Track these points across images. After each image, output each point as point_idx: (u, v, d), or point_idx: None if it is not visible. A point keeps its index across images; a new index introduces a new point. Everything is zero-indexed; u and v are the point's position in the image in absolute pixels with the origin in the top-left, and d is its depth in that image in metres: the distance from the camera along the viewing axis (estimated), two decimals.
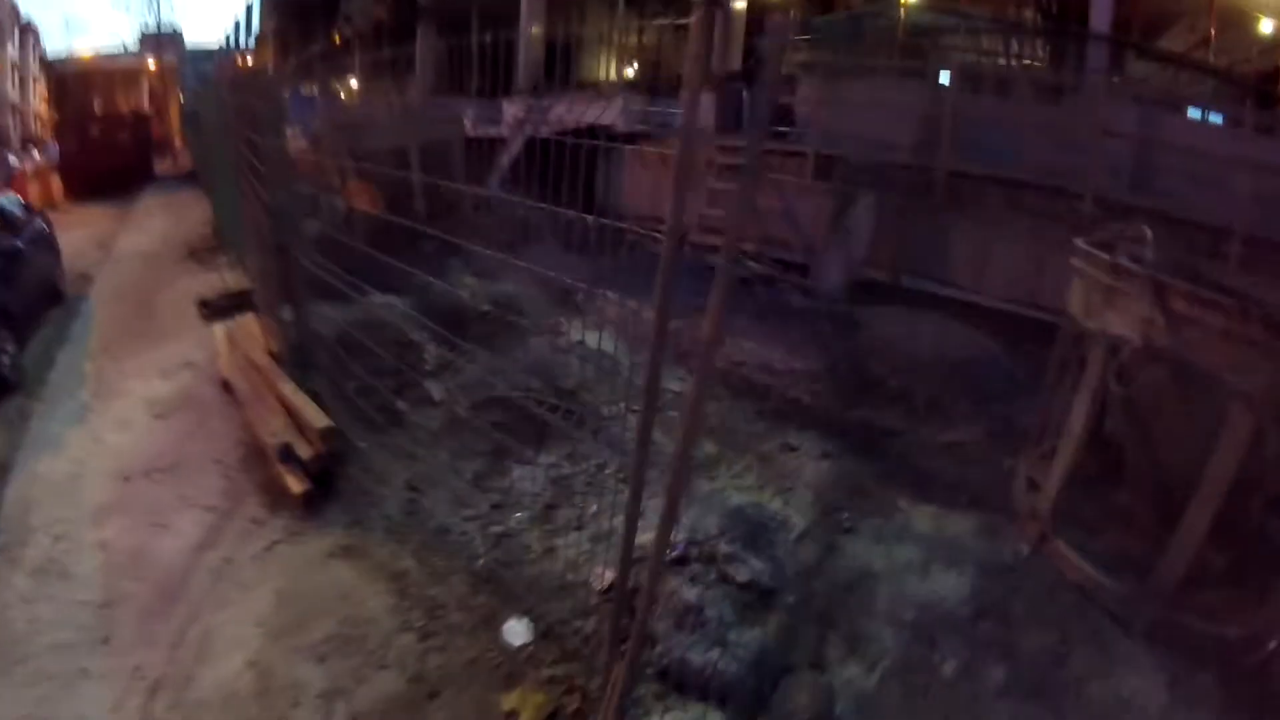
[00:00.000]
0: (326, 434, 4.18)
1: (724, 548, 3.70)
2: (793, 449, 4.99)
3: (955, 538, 4.25)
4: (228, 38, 21.24)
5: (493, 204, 8.13)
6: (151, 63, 25.57)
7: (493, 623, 3.27)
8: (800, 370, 6.24)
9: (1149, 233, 3.48)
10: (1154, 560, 3.66)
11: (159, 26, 31.61)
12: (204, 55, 23.79)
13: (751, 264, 7.59)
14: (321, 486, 4.04)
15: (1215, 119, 9.27)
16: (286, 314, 5.05)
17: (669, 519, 2.60)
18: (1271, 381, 2.93)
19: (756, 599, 3.45)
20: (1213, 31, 10.96)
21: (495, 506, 3.72)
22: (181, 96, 22.58)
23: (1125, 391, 3.37)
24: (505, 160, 10.49)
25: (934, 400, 5.94)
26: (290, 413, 4.63)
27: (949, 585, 3.91)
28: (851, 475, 4.79)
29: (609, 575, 3.35)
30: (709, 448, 4.65)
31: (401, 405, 4.30)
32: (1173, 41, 12.16)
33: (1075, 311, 3.94)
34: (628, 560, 2.77)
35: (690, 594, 3.34)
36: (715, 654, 3.07)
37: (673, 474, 2.54)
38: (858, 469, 4.87)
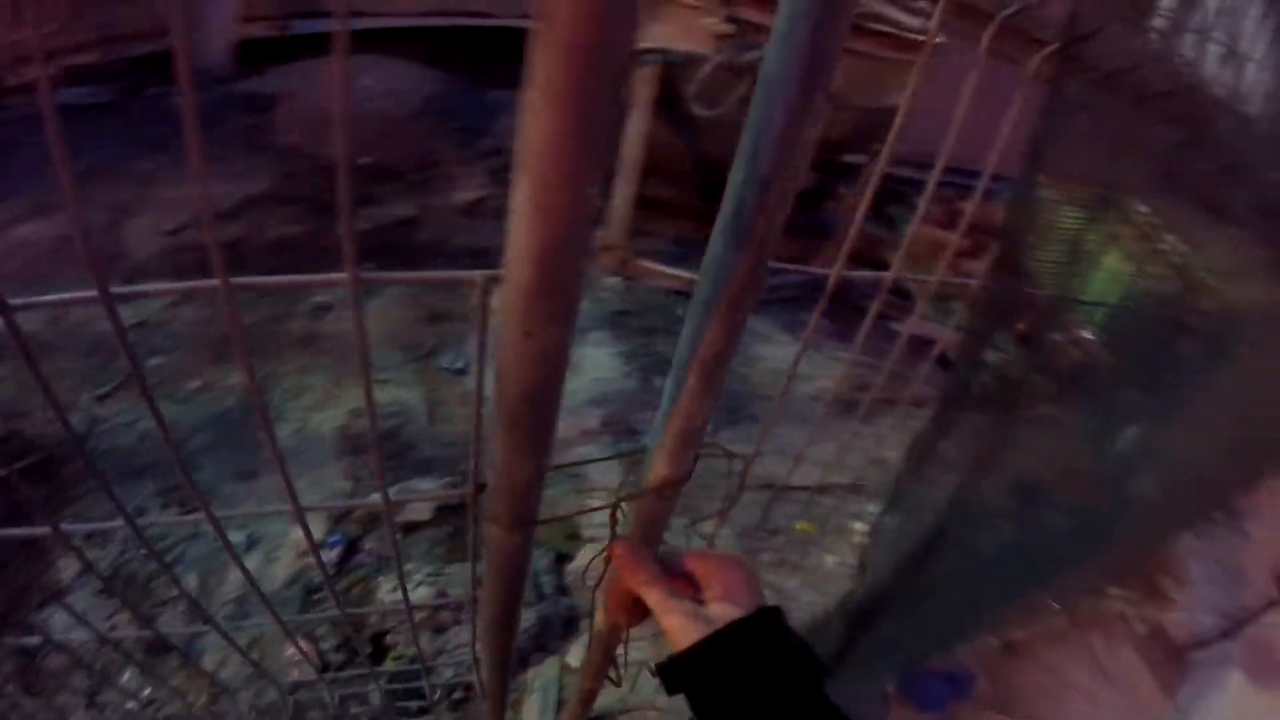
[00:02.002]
0: None
1: (376, 496, 2.84)
2: (327, 309, 3.92)
3: None
4: None
5: None
6: None
7: None
8: (258, 195, 4.79)
9: None
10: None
11: None
12: None
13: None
14: None
15: None
16: None
17: None
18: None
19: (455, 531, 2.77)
20: None
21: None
22: None
23: (712, 112, 3.07)
24: None
25: (423, 162, 5.13)
26: None
27: (601, 367, 3.68)
28: (411, 301, 4.01)
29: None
30: (233, 377, 3.34)
31: None
32: None
33: None
34: None
35: (416, 587, 2.52)
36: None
37: None
38: (408, 291, 4.07)
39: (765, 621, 0.65)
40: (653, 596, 0.69)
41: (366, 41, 5.82)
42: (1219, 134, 1.16)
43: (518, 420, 0.58)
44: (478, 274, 0.58)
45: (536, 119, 0.39)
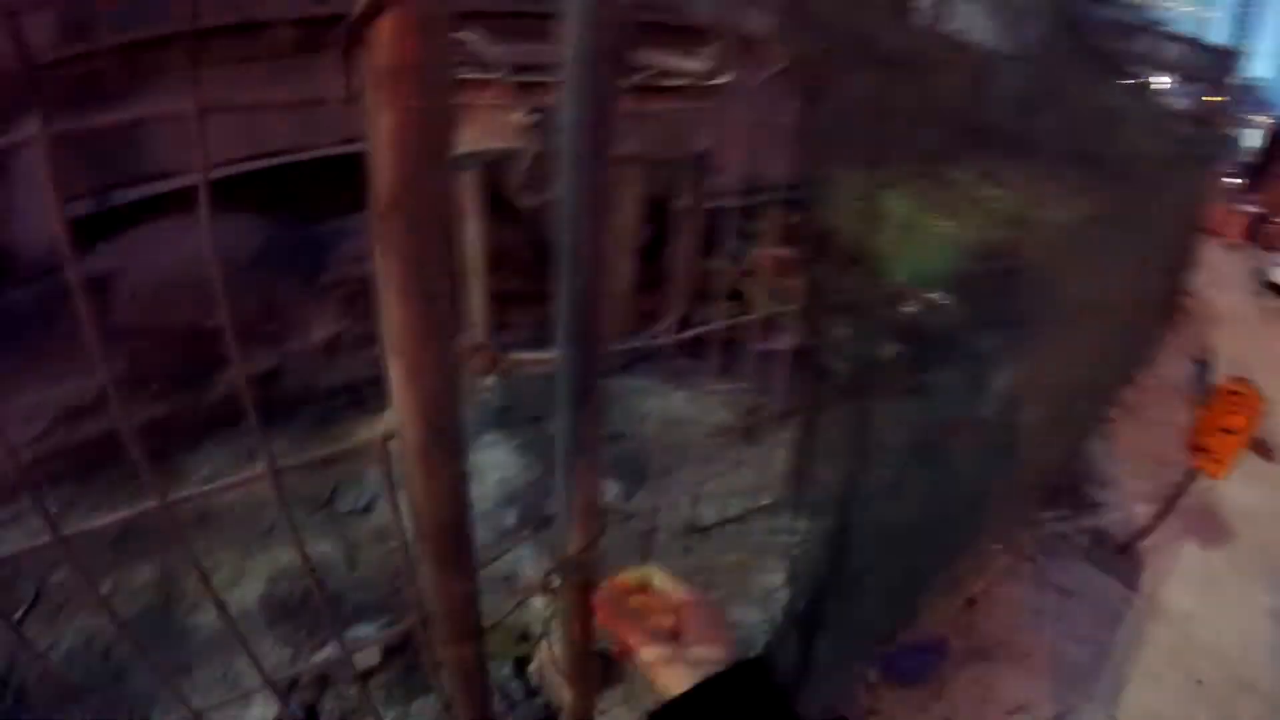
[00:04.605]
0: None
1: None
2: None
3: None
4: None
5: None
6: None
7: None
8: (115, 382, 4.54)
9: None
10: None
11: None
12: None
13: None
14: None
15: None
16: None
17: None
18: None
19: None
20: None
21: None
22: None
23: (540, 199, 3.13)
24: None
25: (270, 311, 5.00)
26: None
27: (502, 466, 3.68)
28: (301, 452, 3.91)
29: None
30: (143, 574, 3.15)
31: None
32: None
33: None
34: None
35: None
36: None
37: None
38: (294, 442, 3.96)
39: (749, 670, 0.68)
40: (637, 647, 0.73)
41: (177, 203, 5.65)
42: (975, 96, 1.27)
43: (441, 548, 0.66)
44: (376, 435, 0.62)
45: (393, 313, 0.50)
